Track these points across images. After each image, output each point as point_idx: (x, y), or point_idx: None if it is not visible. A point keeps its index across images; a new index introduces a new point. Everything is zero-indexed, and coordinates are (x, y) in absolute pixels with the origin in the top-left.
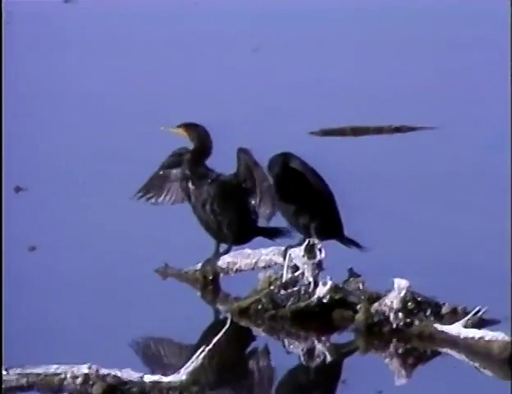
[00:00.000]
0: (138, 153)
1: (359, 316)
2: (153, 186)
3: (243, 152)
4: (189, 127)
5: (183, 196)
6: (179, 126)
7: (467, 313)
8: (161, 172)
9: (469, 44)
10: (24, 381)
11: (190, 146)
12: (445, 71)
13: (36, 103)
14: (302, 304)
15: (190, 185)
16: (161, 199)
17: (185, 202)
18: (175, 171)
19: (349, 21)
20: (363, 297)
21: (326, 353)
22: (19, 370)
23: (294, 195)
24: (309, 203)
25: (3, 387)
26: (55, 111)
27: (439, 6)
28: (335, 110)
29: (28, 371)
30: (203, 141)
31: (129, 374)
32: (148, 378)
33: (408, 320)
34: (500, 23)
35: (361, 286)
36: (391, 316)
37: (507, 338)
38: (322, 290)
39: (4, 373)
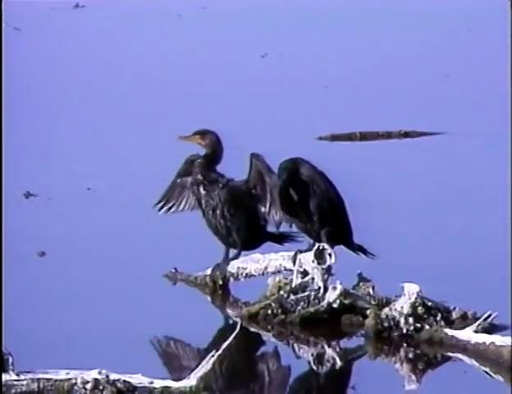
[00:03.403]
0: (148, 160)
1: (369, 321)
2: (172, 195)
3: (255, 157)
4: (205, 134)
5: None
6: (195, 134)
7: (477, 319)
8: (178, 180)
9: (471, 46)
10: (34, 385)
11: (201, 152)
12: (453, 75)
13: (48, 109)
14: (311, 309)
15: (202, 190)
16: (181, 207)
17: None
18: (190, 179)
19: (358, 26)
20: (372, 302)
21: (336, 358)
22: (30, 375)
23: (304, 201)
24: (320, 209)
25: (14, 391)
26: (66, 117)
27: (443, 8)
28: (344, 115)
29: (38, 376)
30: (215, 147)
31: (139, 379)
32: (158, 384)
33: (418, 325)
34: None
35: (371, 291)
36: (401, 321)
37: None
38: (331, 296)
39: (15, 377)
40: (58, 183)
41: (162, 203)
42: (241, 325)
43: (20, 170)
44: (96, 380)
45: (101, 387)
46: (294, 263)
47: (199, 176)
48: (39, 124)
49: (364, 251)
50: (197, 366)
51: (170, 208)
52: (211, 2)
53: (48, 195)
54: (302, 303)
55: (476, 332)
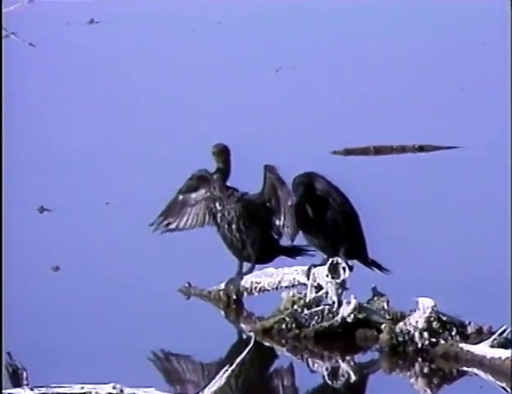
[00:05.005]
0: (165, 174)
1: (384, 336)
2: (171, 213)
3: (268, 169)
4: (223, 149)
5: (203, 219)
6: (214, 148)
7: (493, 333)
8: (180, 197)
9: (485, 58)
10: None
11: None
12: (467, 88)
13: (63, 123)
14: (326, 323)
15: (218, 205)
16: (181, 224)
17: (205, 224)
18: (194, 195)
19: (372, 41)
20: (387, 316)
21: (351, 372)
22: (43, 389)
23: (319, 217)
24: (334, 223)
25: None
26: (82, 131)
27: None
28: (358, 129)
29: (52, 390)
30: (228, 162)
31: None
32: None
33: (433, 340)
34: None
35: (385, 306)
36: (416, 336)
37: None
38: (345, 310)
39: (29, 391)
40: (76, 198)
41: (159, 221)
42: (255, 339)
43: (34, 184)
44: None
45: None
46: (308, 277)
47: (217, 192)
48: (55, 138)
49: (379, 266)
50: (211, 381)
51: (167, 226)
52: (225, 17)
53: (64, 210)
54: (316, 317)
55: (492, 346)
